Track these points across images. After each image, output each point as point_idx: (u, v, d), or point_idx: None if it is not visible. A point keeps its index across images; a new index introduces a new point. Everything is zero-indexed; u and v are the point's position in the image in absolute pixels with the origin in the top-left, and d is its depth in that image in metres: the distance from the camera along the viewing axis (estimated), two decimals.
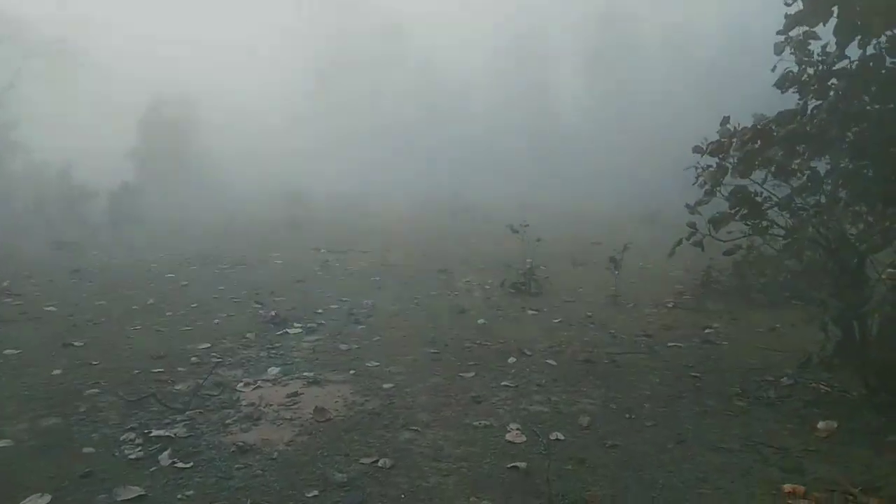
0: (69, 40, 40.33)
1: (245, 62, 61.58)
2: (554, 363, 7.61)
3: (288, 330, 9.47)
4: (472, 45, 57.18)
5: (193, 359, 8.02)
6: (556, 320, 9.88)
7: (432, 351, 8.25)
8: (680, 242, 6.44)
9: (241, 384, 7.12)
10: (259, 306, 10.25)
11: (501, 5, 58.23)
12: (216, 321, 10.08)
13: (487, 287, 12.86)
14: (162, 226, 27.40)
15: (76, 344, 8.54)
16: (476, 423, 5.79)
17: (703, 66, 50.18)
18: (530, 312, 10.48)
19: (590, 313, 10.34)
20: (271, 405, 6.46)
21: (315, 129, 54.86)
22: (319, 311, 10.85)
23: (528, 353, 8.03)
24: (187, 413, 6.16)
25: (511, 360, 7.76)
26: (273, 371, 7.60)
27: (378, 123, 52.39)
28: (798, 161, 6.22)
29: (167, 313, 10.65)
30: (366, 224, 25.89)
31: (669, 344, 8.42)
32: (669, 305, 10.77)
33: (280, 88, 58.94)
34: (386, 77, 55.00)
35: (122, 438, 5.53)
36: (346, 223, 26.32)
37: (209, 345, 8.67)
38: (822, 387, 6.51)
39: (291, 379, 7.31)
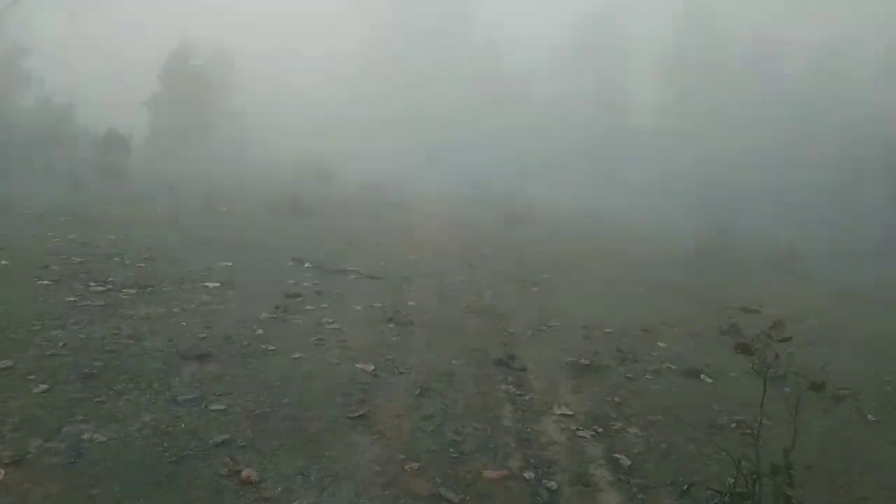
0: None
1: (298, 27, 54.15)
2: None
3: None
4: (539, 30, 48.83)
5: None
6: None
7: None
8: None
9: None
10: None
11: None
12: None
13: (619, 461, 4.81)
14: (128, 187, 19.93)
15: None
16: None
17: (791, 78, 41.34)
18: None
19: None
20: None
21: (364, 107, 47.16)
22: None
23: None
24: None
25: None
26: None
27: (432, 106, 44.36)
28: None
29: None
30: (389, 222, 18.01)
31: None
32: None
33: (334, 61, 51.30)
34: (446, 57, 46.88)
35: None
36: (363, 217, 18.48)
37: None
38: None
39: None
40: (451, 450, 4.66)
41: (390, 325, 7.72)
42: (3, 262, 8.75)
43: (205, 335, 6.59)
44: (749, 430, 4.33)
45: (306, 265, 10.86)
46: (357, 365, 6.21)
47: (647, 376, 6.78)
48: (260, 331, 6.97)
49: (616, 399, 6.01)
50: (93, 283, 8.03)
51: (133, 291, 7.93)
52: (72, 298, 7.29)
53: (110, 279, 8.38)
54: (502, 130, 41.31)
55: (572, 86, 45.02)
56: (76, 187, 20.02)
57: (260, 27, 49.51)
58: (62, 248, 10.09)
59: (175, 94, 36.09)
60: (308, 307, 8.15)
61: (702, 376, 6.89)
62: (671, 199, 31.78)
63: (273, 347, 6.48)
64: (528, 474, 4.41)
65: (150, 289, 8.15)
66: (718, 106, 41.58)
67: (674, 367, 7.16)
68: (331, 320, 7.65)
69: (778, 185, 31.83)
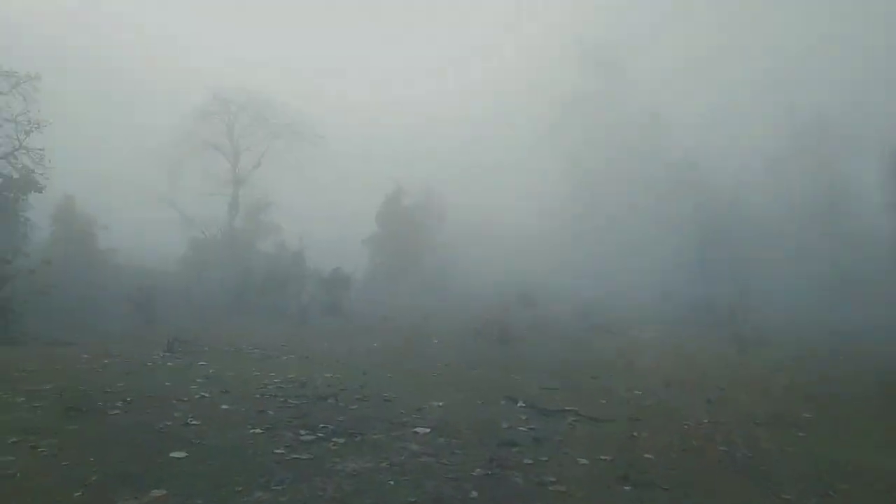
0: (316, 124, 37.02)
1: (498, 155, 56.07)
2: None
3: None
4: (745, 141, 45.95)
5: None
6: None
7: None
8: None
9: None
10: None
11: (783, 96, 46.54)
12: None
13: None
14: (348, 322, 20.61)
15: None
16: None
17: None
18: None
19: None
20: None
21: (564, 229, 46.74)
22: None
23: None
24: None
25: None
26: None
27: (634, 222, 42.76)
28: None
29: None
30: (602, 350, 16.48)
31: None
32: None
33: (533, 184, 52.08)
34: (645, 174, 45.47)
35: None
36: (573, 344, 17.16)
37: None
38: None
39: None
40: None
41: (627, 487, 6.26)
42: (224, 406, 8.71)
43: (413, 499, 5.65)
44: None
45: (520, 404, 9.76)
46: None
47: None
48: (474, 493, 5.90)
49: None
50: (304, 432, 7.57)
51: (342, 441, 7.33)
52: (280, 451, 6.81)
53: (321, 426, 7.90)
54: (715, 244, 38.25)
55: (789, 191, 41.14)
56: (302, 324, 21.12)
57: (462, 164, 51.92)
58: (281, 390, 10.03)
59: (390, 232, 38.32)
60: (526, 460, 6.96)
61: None
62: None
63: None
64: None
65: (359, 437, 7.51)
66: None
67: None
68: (553, 479, 6.38)
69: None
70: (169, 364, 12.00)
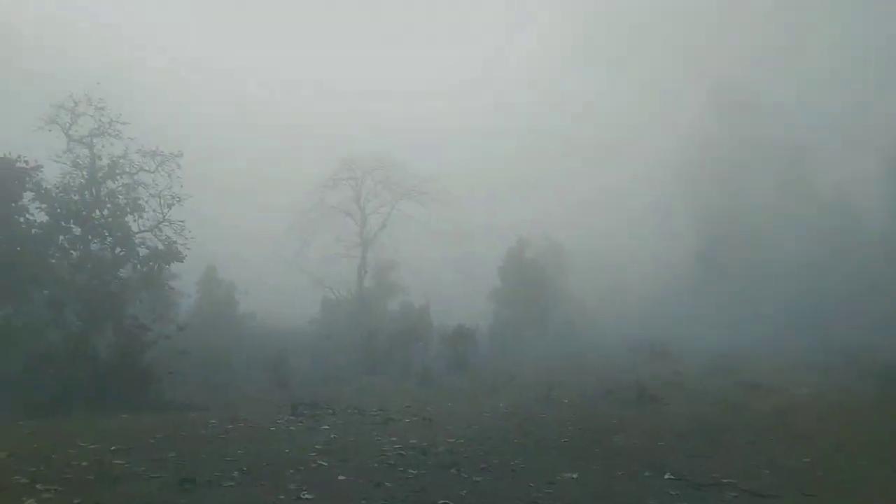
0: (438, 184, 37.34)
1: (615, 198, 53.76)
2: None
3: None
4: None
5: None
6: None
7: None
8: None
9: None
10: None
11: None
12: None
13: None
14: (472, 381, 19.86)
15: None
16: None
17: None
18: None
19: None
20: None
21: (690, 270, 43.56)
22: None
23: None
24: None
25: None
26: None
27: (770, 263, 39.26)
28: None
29: None
30: (753, 409, 14.54)
31: None
32: None
33: (653, 224, 49.39)
34: (782, 210, 41.90)
35: None
36: (718, 403, 15.30)
37: None
38: None
39: None
40: None
41: None
42: (341, 476, 8.16)
43: None
44: None
45: (666, 476, 8.48)
46: None
47: None
48: None
49: None
50: None
51: None
52: None
53: (441, 502, 7.09)
54: (865, 287, 34.12)
55: None
56: (426, 383, 20.60)
57: (583, 215, 50.30)
58: (401, 458, 9.36)
59: (513, 285, 37.41)
60: None
61: None
62: None
63: None
64: None
65: None
66: None
67: None
68: None
69: None
70: (292, 428, 11.72)
